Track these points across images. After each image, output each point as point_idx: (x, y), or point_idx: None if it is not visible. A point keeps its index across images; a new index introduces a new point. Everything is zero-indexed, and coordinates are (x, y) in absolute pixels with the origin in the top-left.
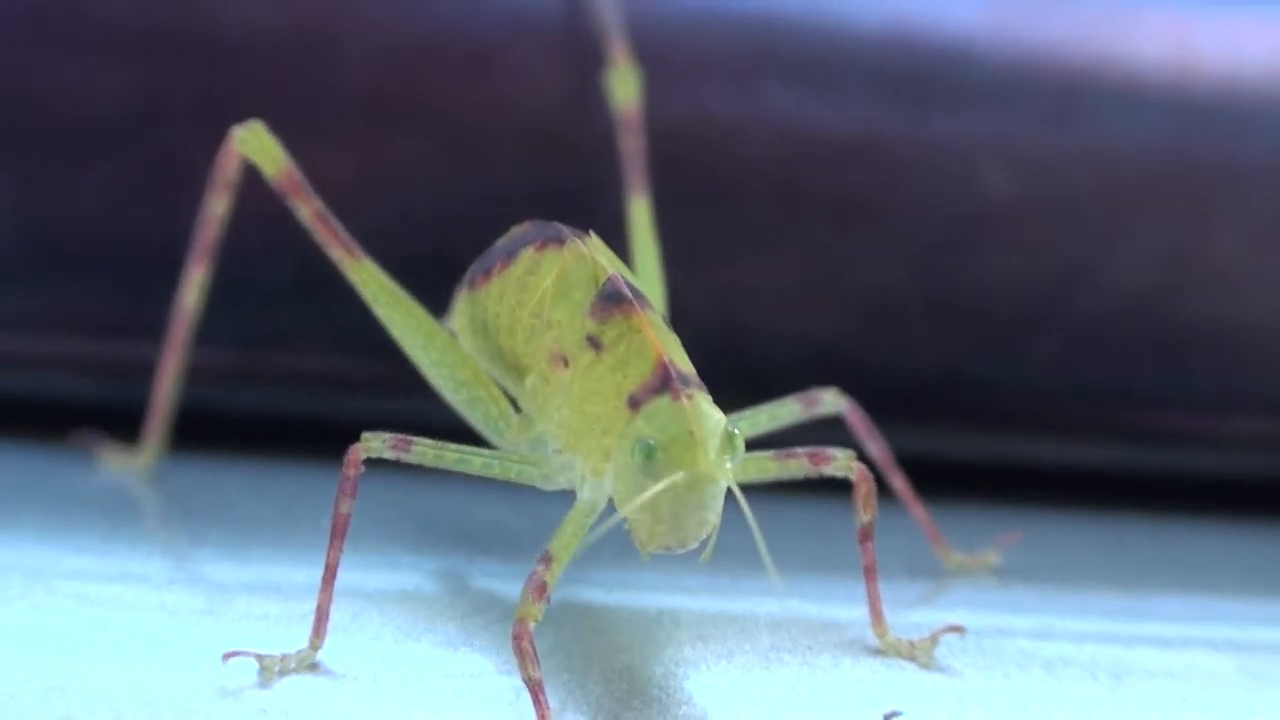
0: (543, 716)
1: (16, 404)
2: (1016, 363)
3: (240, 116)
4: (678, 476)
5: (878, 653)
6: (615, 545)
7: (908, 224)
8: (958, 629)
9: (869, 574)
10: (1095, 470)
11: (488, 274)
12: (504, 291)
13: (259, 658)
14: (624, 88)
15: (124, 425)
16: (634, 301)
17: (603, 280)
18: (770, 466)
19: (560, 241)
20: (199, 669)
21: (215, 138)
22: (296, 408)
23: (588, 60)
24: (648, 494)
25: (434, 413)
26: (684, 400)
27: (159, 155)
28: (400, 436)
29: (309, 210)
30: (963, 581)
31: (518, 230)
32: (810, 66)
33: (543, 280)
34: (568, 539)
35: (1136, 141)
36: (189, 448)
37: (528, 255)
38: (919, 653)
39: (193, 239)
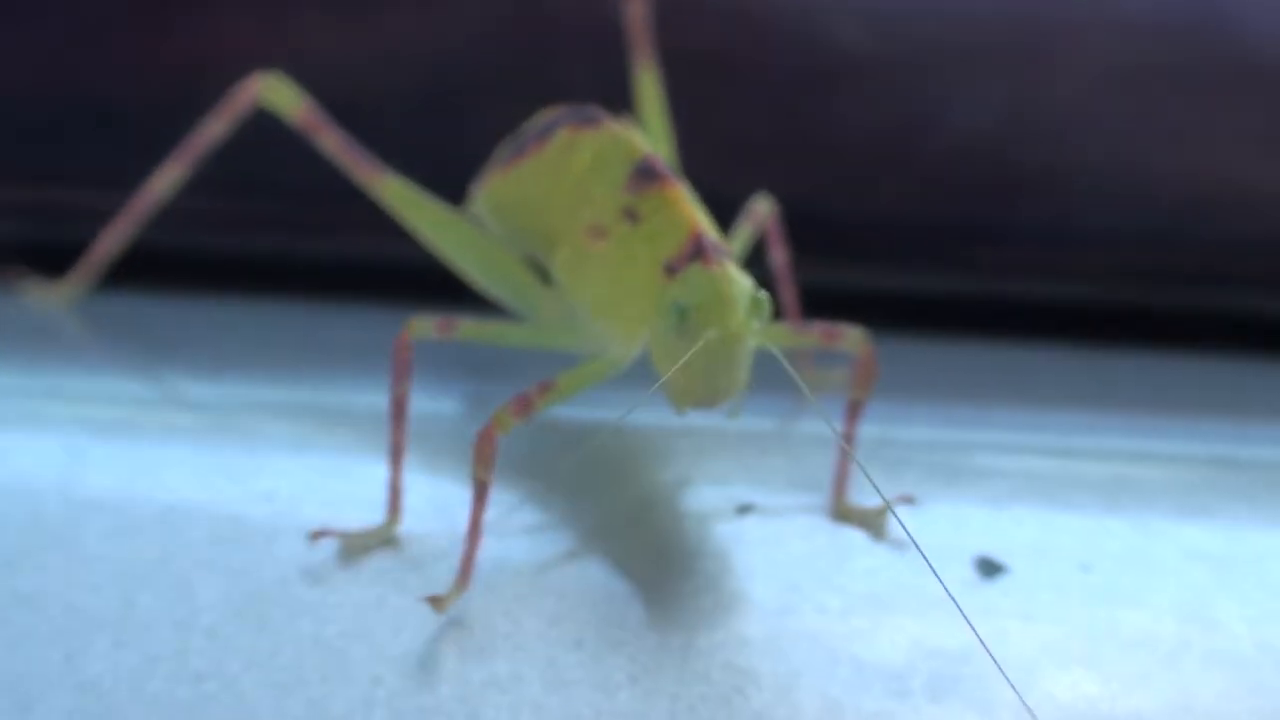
0: (477, 517)
1: None
2: (868, 200)
3: None
4: (711, 336)
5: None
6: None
7: (768, 75)
8: (908, 499)
9: (845, 443)
10: (941, 297)
11: (520, 154)
12: (539, 170)
13: (343, 535)
14: None
15: (43, 262)
16: (669, 176)
17: (638, 158)
18: (786, 335)
19: (596, 122)
20: (127, 478)
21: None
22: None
23: None
24: (686, 354)
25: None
26: (716, 267)
27: (83, 15)
28: (445, 318)
29: (333, 142)
30: (821, 396)
31: (547, 115)
32: None
33: (580, 158)
34: (577, 381)
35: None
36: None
37: (563, 136)
38: (871, 520)
39: (184, 141)
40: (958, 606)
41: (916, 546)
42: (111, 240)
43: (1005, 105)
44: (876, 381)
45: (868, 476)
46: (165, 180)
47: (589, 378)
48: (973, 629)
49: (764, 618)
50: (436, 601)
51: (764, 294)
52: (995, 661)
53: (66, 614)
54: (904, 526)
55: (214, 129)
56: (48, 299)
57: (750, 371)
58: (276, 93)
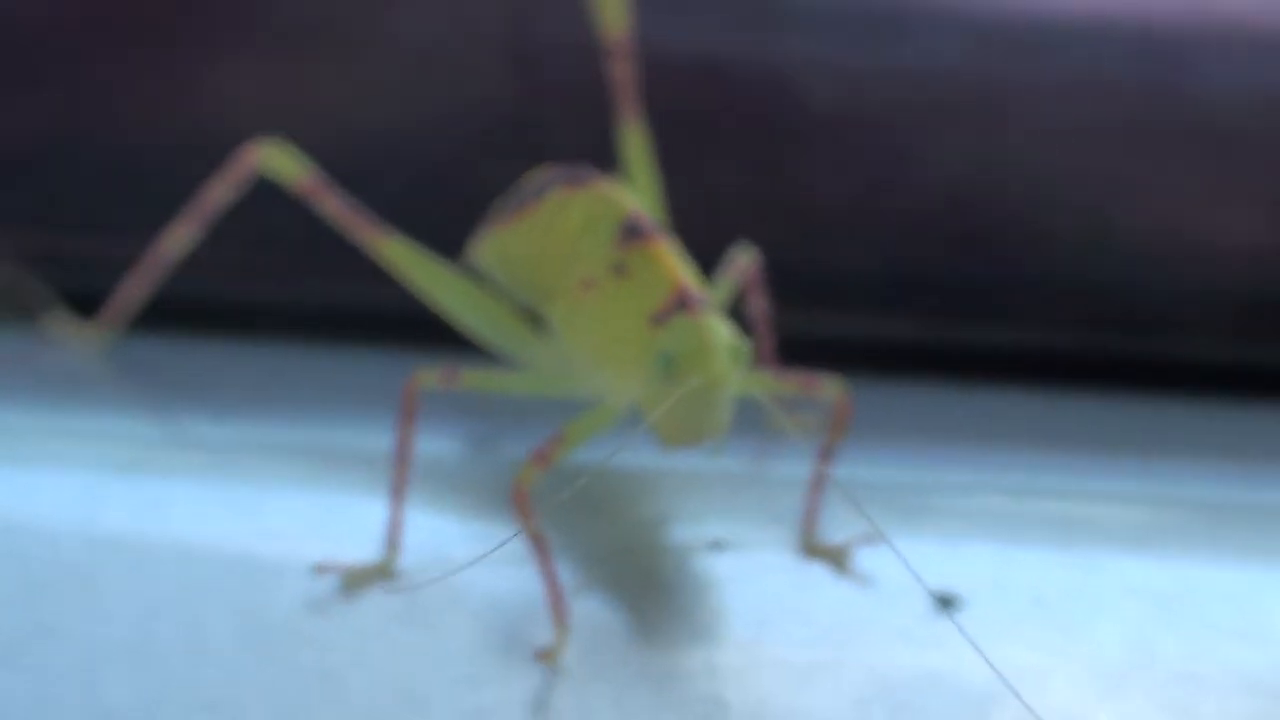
0: (546, 569)
1: None
2: (840, 251)
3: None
4: (695, 382)
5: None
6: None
7: (743, 133)
8: (871, 539)
9: (815, 487)
10: (902, 343)
11: (517, 212)
12: (534, 227)
13: (345, 570)
14: (613, 11)
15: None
16: (653, 233)
17: (625, 216)
18: (767, 382)
19: (586, 182)
20: (142, 515)
21: (142, 59)
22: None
23: None
24: (671, 399)
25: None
26: (699, 318)
27: (89, 77)
28: (448, 369)
29: (333, 206)
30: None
31: (541, 174)
32: None
33: (571, 216)
34: (584, 428)
35: (945, 61)
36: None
37: (555, 195)
38: (837, 556)
39: (192, 203)
40: (972, 642)
41: (915, 576)
42: (129, 293)
43: (971, 161)
44: (850, 428)
45: (862, 511)
46: (174, 241)
47: (594, 424)
48: (988, 661)
49: (735, 648)
50: (546, 656)
51: (744, 342)
52: (1012, 687)
53: (85, 646)
54: (906, 564)
55: (217, 193)
56: (76, 339)
57: (732, 413)
58: (276, 160)
